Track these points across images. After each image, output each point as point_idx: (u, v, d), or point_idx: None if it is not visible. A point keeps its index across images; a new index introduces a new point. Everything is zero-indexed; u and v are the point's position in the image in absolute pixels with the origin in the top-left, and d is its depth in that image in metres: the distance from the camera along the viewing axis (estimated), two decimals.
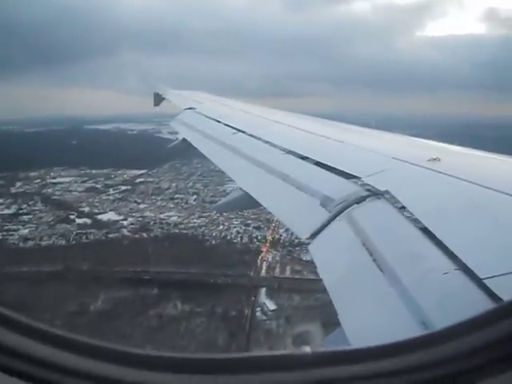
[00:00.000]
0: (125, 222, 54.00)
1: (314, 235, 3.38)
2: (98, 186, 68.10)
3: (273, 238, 52.46)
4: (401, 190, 3.41)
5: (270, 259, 47.56)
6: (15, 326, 1.01)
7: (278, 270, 45.47)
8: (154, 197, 65.41)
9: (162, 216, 57.28)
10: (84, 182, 69.92)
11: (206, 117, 8.68)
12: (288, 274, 44.76)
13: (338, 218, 3.39)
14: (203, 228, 53.78)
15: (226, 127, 7.36)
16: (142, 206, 60.83)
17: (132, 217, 56.35)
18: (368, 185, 3.66)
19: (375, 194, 3.49)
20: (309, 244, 3.37)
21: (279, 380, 0.92)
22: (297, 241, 52.05)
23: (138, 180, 73.20)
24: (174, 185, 71.49)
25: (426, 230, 2.74)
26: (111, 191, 66.19)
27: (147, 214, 57.90)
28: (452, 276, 2.23)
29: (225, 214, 58.12)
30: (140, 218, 56.00)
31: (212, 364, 0.97)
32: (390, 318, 2.31)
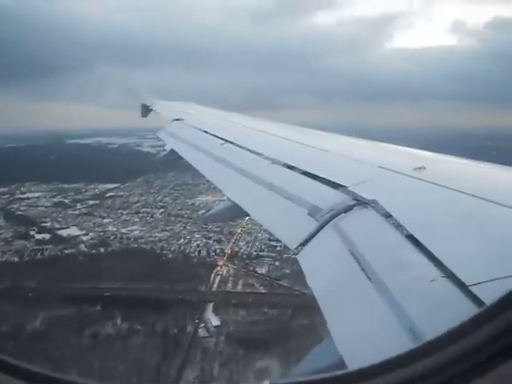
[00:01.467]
0: (84, 238, 53.24)
1: (302, 245, 3.39)
2: (67, 200, 67.38)
3: (231, 252, 51.70)
4: (387, 199, 3.40)
5: (224, 273, 46.77)
6: None
7: (230, 284, 44.68)
8: (120, 211, 64.71)
9: (123, 230, 56.52)
10: (53, 196, 69.19)
11: (194, 128, 8.56)
12: (239, 288, 43.96)
13: (325, 227, 3.38)
14: (163, 242, 53.07)
15: (214, 138, 7.28)
16: (106, 220, 60.09)
17: (94, 232, 55.57)
18: (355, 194, 3.65)
19: (362, 202, 3.48)
20: (297, 253, 3.36)
21: None
22: (255, 254, 51.49)
23: (109, 194, 72.51)
24: (142, 198, 70.82)
25: (412, 238, 2.75)
26: (78, 206, 65.47)
27: (110, 228, 57.13)
28: (439, 283, 2.22)
29: (190, 228, 57.55)
30: (101, 233, 55.21)
31: None
32: (378, 326, 2.29)
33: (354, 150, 5.44)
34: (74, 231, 55.40)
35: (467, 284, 2.08)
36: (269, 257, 51.52)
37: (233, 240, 55.44)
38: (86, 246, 50.76)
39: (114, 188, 75.08)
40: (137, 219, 60.94)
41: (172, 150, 8.05)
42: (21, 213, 61.75)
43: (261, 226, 4.79)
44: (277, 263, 49.57)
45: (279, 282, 45.29)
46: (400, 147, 5.58)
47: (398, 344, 1.93)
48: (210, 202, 70.96)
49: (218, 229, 59.50)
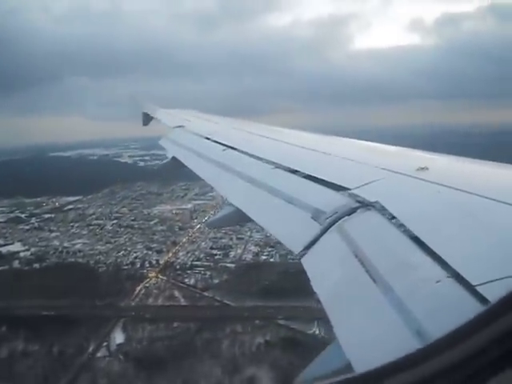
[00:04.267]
0: (23, 254, 52.15)
1: (306, 248, 3.28)
2: (23, 215, 66.52)
3: (165, 263, 50.04)
4: (391, 200, 3.33)
5: (151, 286, 45.13)
6: None
7: (152, 297, 43.04)
8: (72, 224, 63.60)
9: (67, 244, 55.37)
10: (11, 211, 68.47)
11: (196, 134, 8.40)
12: (160, 301, 42.30)
13: (329, 230, 3.31)
14: (101, 255, 51.76)
15: (216, 144, 7.14)
16: (53, 234, 59.04)
17: (36, 247, 54.50)
18: (358, 196, 3.57)
19: (365, 205, 3.40)
20: (301, 257, 3.23)
21: None
22: (190, 264, 49.78)
23: (68, 207, 71.58)
24: (99, 210, 69.67)
25: (417, 240, 2.67)
26: (33, 220, 64.54)
27: (54, 242, 56.02)
28: (445, 284, 2.17)
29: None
30: (43, 248, 54.12)
31: None
32: (384, 328, 2.22)
33: (355, 151, 5.28)
34: (16, 247, 54.34)
35: (473, 284, 2.03)
36: (203, 266, 49.86)
37: (174, 250, 53.86)
38: (20, 263, 49.60)
39: (76, 200, 74.15)
40: (85, 232, 59.80)
41: (174, 158, 7.88)
42: None
43: (263, 229, 4.43)
44: (209, 273, 47.83)
45: (204, 294, 43.60)
46: (401, 148, 5.41)
47: (405, 346, 1.82)
48: (167, 212, 69.59)
49: (163, 239, 57.99)
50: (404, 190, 3.60)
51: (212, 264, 49.51)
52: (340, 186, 3.88)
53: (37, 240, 56.53)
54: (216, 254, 52.33)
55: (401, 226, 2.91)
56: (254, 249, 53.17)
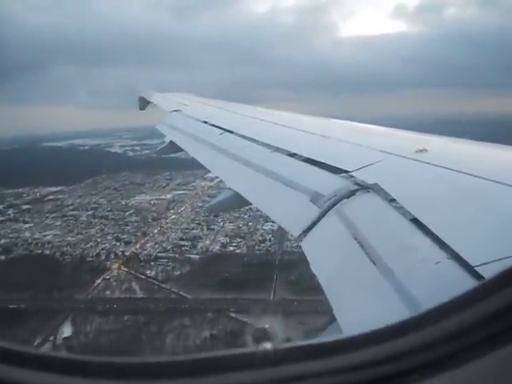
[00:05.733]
0: None
1: (305, 231, 3.24)
2: (0, 206, 66.38)
3: (130, 255, 49.42)
4: (390, 183, 3.29)
5: (112, 278, 44.58)
6: None
7: (110, 289, 42.49)
8: (47, 215, 63.23)
9: (37, 236, 54.88)
10: None
11: (193, 118, 8.32)
12: (117, 293, 41.74)
13: (328, 213, 3.27)
14: (69, 247, 51.30)
15: (214, 128, 7.04)
16: (26, 225, 58.66)
17: (6, 238, 54.20)
18: (357, 179, 3.51)
19: (364, 187, 3.36)
20: (300, 241, 3.20)
21: (242, 379, 0.86)
22: (155, 255, 49.11)
23: (48, 198, 71.13)
24: (77, 201, 69.13)
25: (416, 221, 2.65)
26: (9, 211, 64.20)
27: (25, 234, 55.57)
28: (444, 265, 2.17)
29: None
30: (13, 239, 53.75)
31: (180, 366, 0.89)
32: (384, 309, 2.20)
33: (353, 134, 5.16)
34: None
35: (473, 265, 2.02)
36: (167, 258, 49.16)
37: (142, 241, 53.23)
38: None
39: (57, 191, 73.58)
40: (59, 223, 59.32)
41: (171, 142, 7.80)
42: None
43: (264, 214, 4.37)
44: (172, 265, 47.15)
45: (163, 286, 42.93)
46: (400, 130, 5.30)
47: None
48: (144, 202, 68.89)
49: (134, 230, 57.33)
50: (403, 172, 3.55)
51: (177, 255, 48.80)
52: (339, 169, 3.84)
53: (8, 232, 56.04)
54: (184, 245, 51.60)
55: (400, 208, 2.88)
56: (223, 239, 52.35)
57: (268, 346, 0.87)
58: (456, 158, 3.58)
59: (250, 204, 4.51)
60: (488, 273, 1.90)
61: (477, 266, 1.98)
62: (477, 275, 1.94)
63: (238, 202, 4.79)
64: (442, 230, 2.41)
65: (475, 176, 2.94)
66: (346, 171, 3.72)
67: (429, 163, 3.38)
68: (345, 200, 3.29)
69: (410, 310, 1.96)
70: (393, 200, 3.00)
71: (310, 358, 0.87)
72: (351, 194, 3.33)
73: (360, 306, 2.41)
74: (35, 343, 34.23)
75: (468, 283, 1.92)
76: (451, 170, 3.15)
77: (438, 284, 2.07)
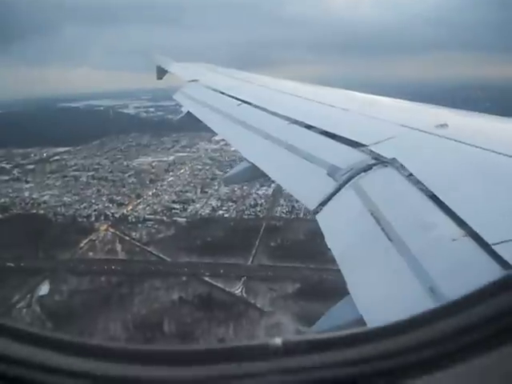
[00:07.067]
0: None
1: (321, 205, 3.20)
2: (8, 166, 67.66)
3: (120, 216, 49.68)
4: (408, 158, 3.21)
5: (98, 239, 45.04)
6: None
7: (93, 251, 42.98)
8: (49, 175, 64.12)
9: (35, 196, 55.80)
10: None
11: (210, 89, 8.21)
12: (100, 255, 42.20)
13: (345, 187, 3.22)
14: (64, 207, 52.00)
15: (231, 99, 6.96)
16: (28, 185, 59.72)
17: (6, 197, 55.42)
18: (375, 153, 3.43)
19: (382, 162, 3.28)
20: (316, 214, 3.15)
21: (250, 370, 0.89)
22: (144, 217, 49.19)
23: (54, 158, 72.08)
24: (81, 162, 69.71)
25: (434, 197, 2.58)
26: (15, 171, 65.50)
27: (24, 194, 56.60)
28: (461, 242, 2.11)
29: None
30: (12, 199, 54.88)
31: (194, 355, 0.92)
32: (398, 285, 2.17)
33: (373, 107, 5.09)
34: None
35: (490, 243, 1.97)
36: (155, 221, 49.19)
37: (134, 203, 53.41)
38: None
39: (64, 152, 74.30)
40: (58, 183, 60.16)
41: (189, 112, 7.73)
42: None
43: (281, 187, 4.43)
44: (158, 227, 47.18)
45: (145, 248, 43.11)
46: (420, 104, 5.23)
47: (418, 304, 1.84)
48: (146, 164, 68.84)
49: (129, 191, 57.54)
50: (422, 147, 3.46)
51: (165, 218, 48.80)
52: (357, 143, 3.75)
53: (10, 191, 57.28)
54: (174, 208, 51.52)
55: (418, 183, 2.81)
56: (214, 203, 51.93)
57: (276, 339, 0.89)
58: (477, 134, 3.47)
59: (266, 176, 4.40)
60: (505, 251, 1.84)
61: (494, 244, 1.92)
62: (493, 253, 1.88)
63: (254, 173, 4.72)
64: (460, 206, 2.35)
65: (497, 152, 2.83)
66: (364, 145, 3.63)
67: (449, 138, 3.29)
68: (362, 174, 3.22)
69: (424, 286, 1.92)
70: (411, 175, 2.93)
71: (316, 350, 0.90)
72: (369, 168, 3.26)
73: (374, 281, 2.37)
74: (12, 300, 35.14)
75: (484, 261, 1.88)
76: (472, 145, 3.06)
77: (453, 262, 2.04)
